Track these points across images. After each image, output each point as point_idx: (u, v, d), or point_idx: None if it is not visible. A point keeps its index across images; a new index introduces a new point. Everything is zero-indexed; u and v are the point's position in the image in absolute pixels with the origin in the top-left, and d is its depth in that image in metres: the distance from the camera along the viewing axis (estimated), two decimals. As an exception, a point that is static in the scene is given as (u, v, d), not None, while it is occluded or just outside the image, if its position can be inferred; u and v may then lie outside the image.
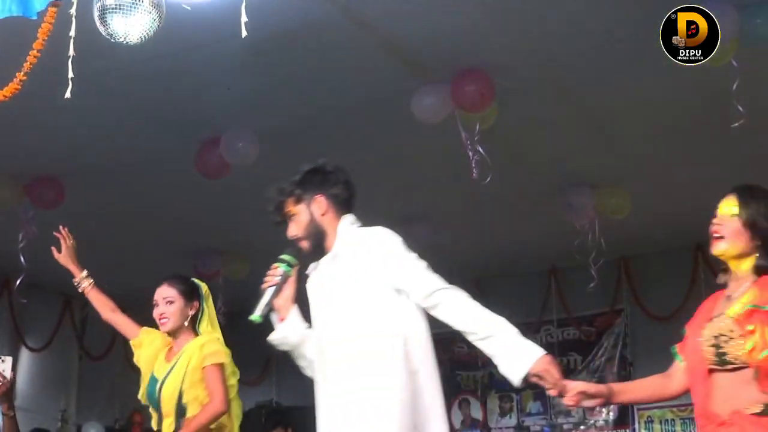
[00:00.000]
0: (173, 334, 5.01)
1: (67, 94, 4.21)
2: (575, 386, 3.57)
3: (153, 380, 4.95)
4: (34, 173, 7.73)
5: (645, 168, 8.00)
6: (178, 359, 4.90)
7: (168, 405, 4.83)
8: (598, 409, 10.45)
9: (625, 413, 10.37)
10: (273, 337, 4.02)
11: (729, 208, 3.47)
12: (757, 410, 3.25)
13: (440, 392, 3.75)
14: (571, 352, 10.80)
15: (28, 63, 4.40)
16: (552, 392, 3.61)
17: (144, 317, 5.20)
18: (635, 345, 10.45)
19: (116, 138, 7.14)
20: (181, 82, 6.33)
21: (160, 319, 5.00)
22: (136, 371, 5.18)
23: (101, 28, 4.41)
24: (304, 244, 3.95)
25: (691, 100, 6.77)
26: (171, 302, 4.99)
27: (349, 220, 3.98)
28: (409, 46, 6.06)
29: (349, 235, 3.91)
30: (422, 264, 3.79)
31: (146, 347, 5.15)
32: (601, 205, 8.29)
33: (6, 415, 5.88)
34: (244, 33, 3.89)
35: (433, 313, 3.75)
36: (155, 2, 4.37)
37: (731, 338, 3.33)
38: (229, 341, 5.04)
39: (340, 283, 3.83)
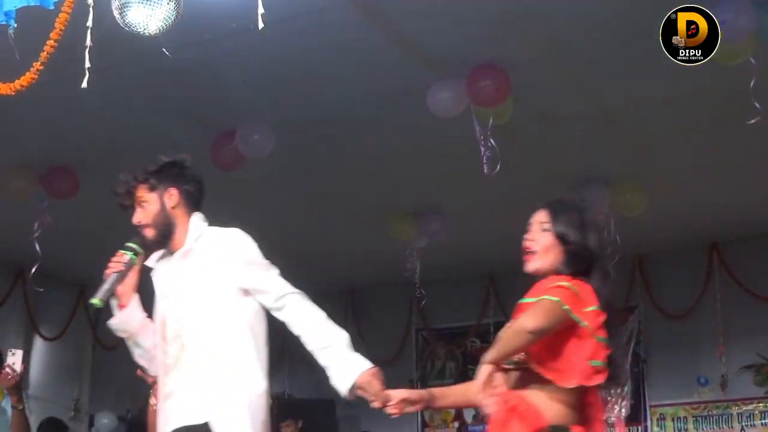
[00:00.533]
0: None
1: (84, 84, 4.22)
2: (397, 395, 3.66)
3: None
4: (49, 164, 7.75)
5: (660, 165, 7.97)
6: None
7: None
8: (611, 405, 10.45)
9: (638, 410, 10.36)
10: (112, 323, 4.06)
11: (540, 223, 3.55)
12: None
13: (267, 388, 3.83)
14: (583, 349, 10.78)
15: (45, 53, 4.41)
16: (376, 404, 3.69)
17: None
18: (648, 342, 10.43)
19: (132, 129, 7.14)
20: (197, 74, 6.33)
21: None
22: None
23: (119, 19, 4.42)
24: (149, 232, 3.99)
25: (709, 97, 6.74)
26: None
27: (200, 217, 4.04)
28: (425, 41, 6.05)
29: (202, 233, 3.97)
30: (275, 269, 3.88)
31: None
32: (616, 201, 8.27)
33: (15, 407, 5.90)
34: (260, 25, 3.89)
35: (278, 314, 3.83)
36: (174, -7, 4.38)
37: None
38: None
39: (190, 279, 3.88)
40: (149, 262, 4.06)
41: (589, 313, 3.27)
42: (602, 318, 3.30)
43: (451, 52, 6.18)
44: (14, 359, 5.76)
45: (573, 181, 8.10)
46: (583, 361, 3.24)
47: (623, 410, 10.43)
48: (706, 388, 10.06)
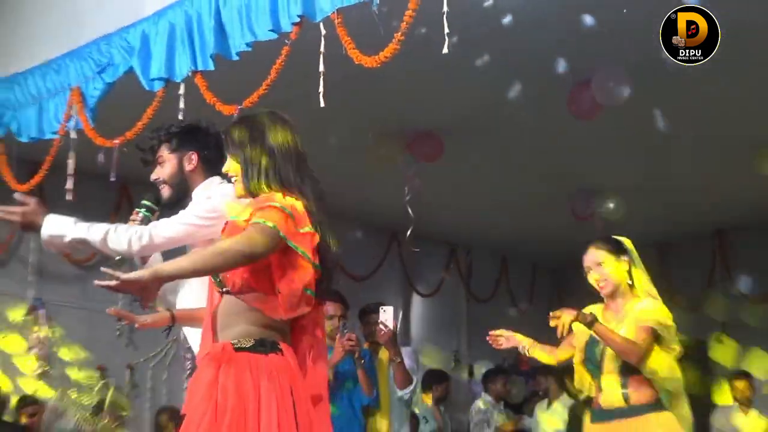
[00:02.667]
0: (612, 295, 5.07)
1: (444, 50, 4.42)
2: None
3: (593, 340, 5.01)
4: (416, 130, 8.10)
5: None
6: (624, 319, 4.97)
7: (611, 363, 4.94)
8: None
9: None
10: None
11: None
12: (247, 345, 3.20)
13: None
14: None
15: (405, 23, 4.67)
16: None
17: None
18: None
19: (490, 93, 7.27)
20: (548, 25, 6.36)
21: (597, 283, 5.07)
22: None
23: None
24: (165, 191, 4.15)
25: None
26: (600, 264, 5.04)
27: (216, 181, 4.10)
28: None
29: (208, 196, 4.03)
30: (194, 219, 3.89)
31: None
32: None
33: (393, 360, 6.27)
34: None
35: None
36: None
37: None
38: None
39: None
40: None
41: (305, 235, 3.23)
42: (316, 240, 3.25)
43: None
44: (386, 316, 6.11)
45: None
46: (295, 291, 3.20)
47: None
48: None
